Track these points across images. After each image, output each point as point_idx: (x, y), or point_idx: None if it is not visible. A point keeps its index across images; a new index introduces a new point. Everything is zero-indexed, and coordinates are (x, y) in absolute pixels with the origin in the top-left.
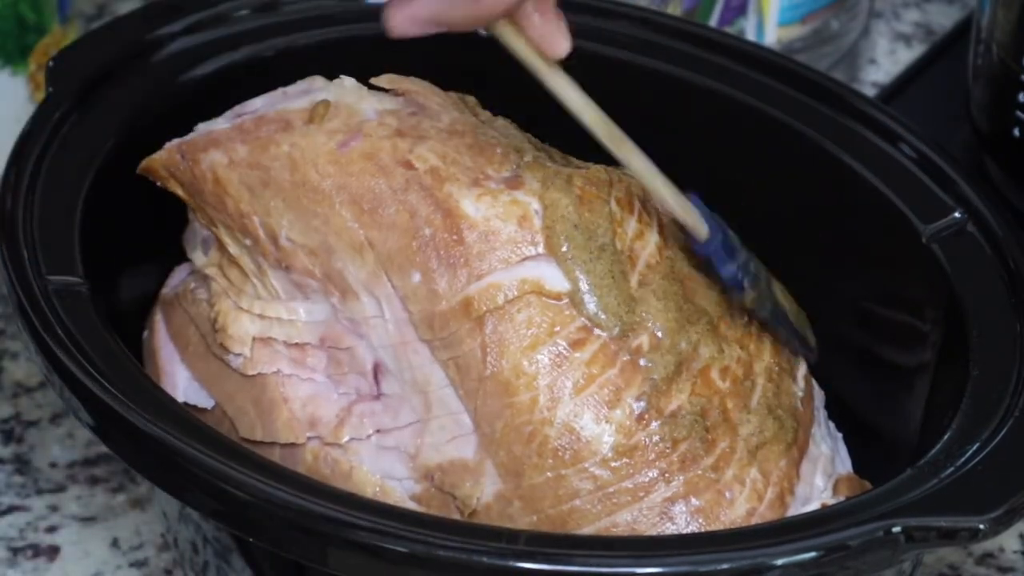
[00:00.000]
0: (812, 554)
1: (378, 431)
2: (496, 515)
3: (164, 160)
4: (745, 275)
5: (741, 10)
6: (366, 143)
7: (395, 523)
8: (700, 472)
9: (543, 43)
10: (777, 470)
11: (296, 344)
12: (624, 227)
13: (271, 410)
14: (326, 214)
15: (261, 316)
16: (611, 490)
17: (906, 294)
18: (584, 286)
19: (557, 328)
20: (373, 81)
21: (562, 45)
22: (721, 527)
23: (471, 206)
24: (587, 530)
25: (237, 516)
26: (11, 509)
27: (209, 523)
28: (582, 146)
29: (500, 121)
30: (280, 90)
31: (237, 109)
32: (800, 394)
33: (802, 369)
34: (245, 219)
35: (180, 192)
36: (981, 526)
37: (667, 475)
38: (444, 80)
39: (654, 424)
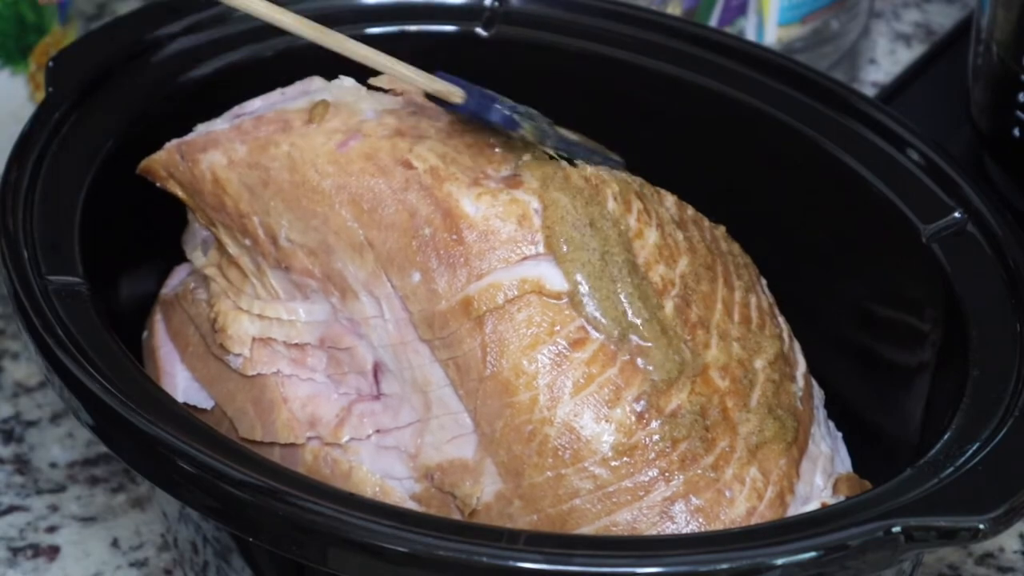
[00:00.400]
0: (812, 554)
1: (378, 431)
2: (496, 515)
3: (163, 160)
4: (516, 113)
5: (741, 10)
6: (365, 143)
7: (395, 523)
8: (700, 471)
9: None
10: (777, 469)
11: (296, 344)
12: (623, 225)
13: (271, 410)
14: (325, 214)
15: (261, 316)
16: (611, 489)
17: (906, 294)
18: (584, 288)
19: (557, 328)
20: (372, 81)
21: None
22: (721, 526)
23: (471, 205)
24: (587, 529)
25: (237, 516)
26: (11, 509)
27: (209, 523)
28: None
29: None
30: (279, 90)
31: (236, 109)
32: (799, 393)
33: (802, 368)
34: (244, 219)
35: (179, 192)
36: (981, 526)
37: (667, 474)
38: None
39: (654, 423)
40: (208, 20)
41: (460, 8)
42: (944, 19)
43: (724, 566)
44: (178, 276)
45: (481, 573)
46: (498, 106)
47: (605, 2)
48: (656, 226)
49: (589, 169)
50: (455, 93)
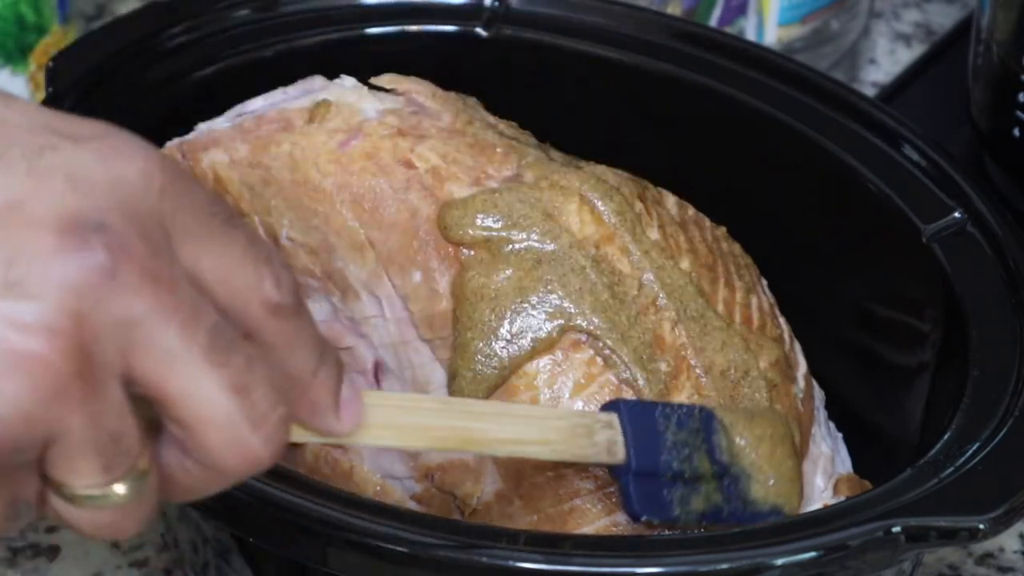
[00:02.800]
0: (812, 554)
1: None
2: (496, 514)
3: None
4: (660, 507)
5: (741, 10)
6: (367, 142)
7: (395, 523)
8: None
9: (325, 433)
10: None
11: None
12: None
13: None
14: (327, 213)
15: None
16: (612, 489)
17: (906, 294)
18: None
19: None
20: (373, 81)
21: (345, 426)
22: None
23: None
24: (587, 529)
25: (237, 516)
26: None
27: (209, 523)
28: (582, 146)
29: (503, 124)
30: (280, 90)
31: (238, 108)
32: (800, 394)
33: (802, 369)
34: (245, 218)
35: None
36: (981, 526)
37: None
38: (444, 80)
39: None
40: (208, 20)
41: (460, 8)
42: (944, 19)
43: (724, 566)
44: None
45: (481, 573)
46: (632, 502)
47: (605, 2)
48: (657, 227)
49: (589, 169)
50: (610, 463)
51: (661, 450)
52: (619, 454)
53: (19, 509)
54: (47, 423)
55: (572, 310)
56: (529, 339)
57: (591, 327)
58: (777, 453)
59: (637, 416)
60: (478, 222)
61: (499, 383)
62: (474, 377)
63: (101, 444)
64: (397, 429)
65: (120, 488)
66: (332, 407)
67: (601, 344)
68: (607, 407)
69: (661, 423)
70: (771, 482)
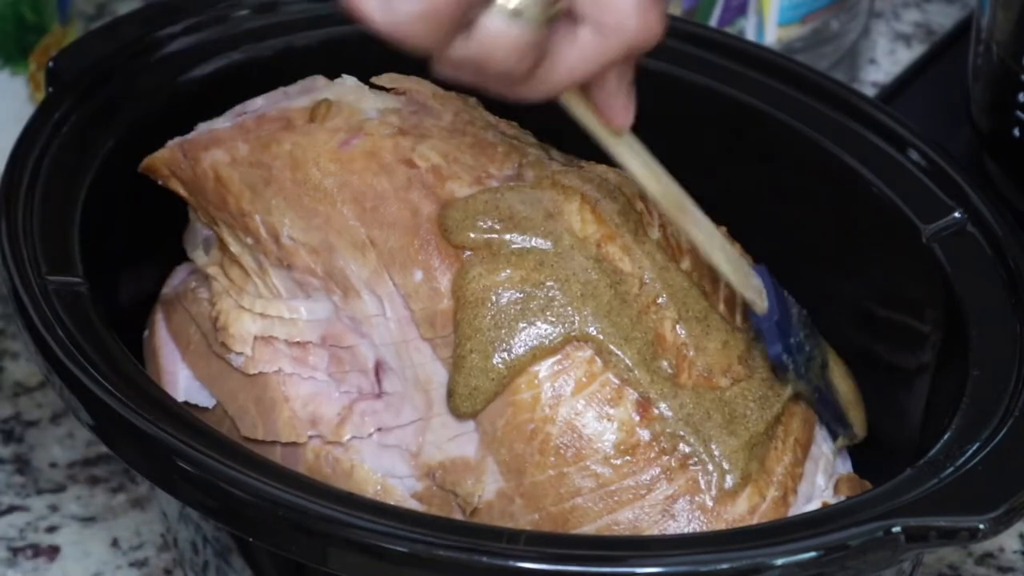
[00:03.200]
0: (812, 554)
1: (379, 429)
2: (497, 513)
3: (166, 158)
4: (793, 357)
5: (741, 10)
6: (368, 141)
7: (395, 523)
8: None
9: (608, 114)
10: (781, 468)
11: (297, 343)
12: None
13: (272, 409)
14: (328, 212)
15: (262, 315)
16: (613, 488)
17: (906, 294)
18: None
19: None
20: (374, 80)
21: (625, 119)
22: (723, 525)
23: None
24: (589, 528)
25: (237, 516)
26: (11, 509)
27: (209, 523)
28: (582, 146)
29: (503, 123)
30: (281, 89)
31: (238, 108)
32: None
33: None
34: (246, 217)
35: (181, 191)
36: (981, 526)
37: (669, 473)
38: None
39: (656, 422)
40: (208, 20)
41: None
42: (944, 19)
43: (724, 566)
44: (179, 275)
45: (481, 573)
46: (778, 345)
47: None
48: (658, 226)
49: (590, 169)
50: (758, 305)
51: (791, 316)
52: (764, 301)
53: (459, 15)
54: None
55: (575, 318)
56: (530, 349)
57: (593, 334)
58: (849, 380)
59: (776, 285)
60: (479, 224)
61: (499, 390)
62: (471, 393)
63: None
64: (646, 163)
65: (537, 11)
66: (627, 92)
67: (603, 349)
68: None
69: (789, 298)
70: (848, 396)
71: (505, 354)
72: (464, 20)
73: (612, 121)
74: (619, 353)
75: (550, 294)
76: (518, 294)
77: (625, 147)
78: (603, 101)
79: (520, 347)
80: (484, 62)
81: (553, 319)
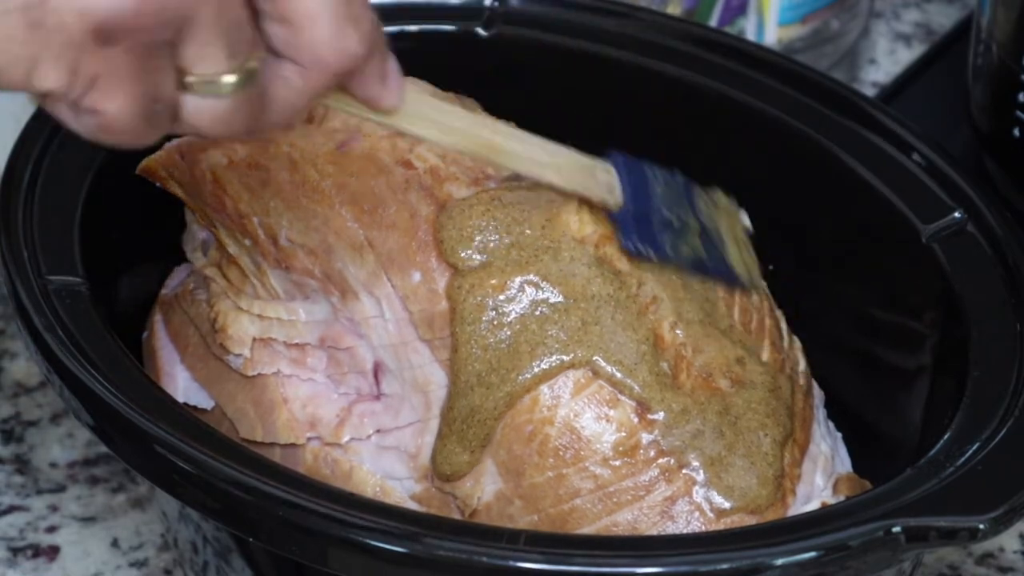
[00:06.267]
0: (812, 554)
1: (378, 431)
2: (496, 514)
3: (163, 160)
4: (652, 243)
5: (741, 10)
6: (365, 143)
7: (395, 523)
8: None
9: (374, 103)
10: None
11: (296, 344)
12: None
13: (271, 410)
14: (326, 214)
15: (261, 316)
16: (612, 489)
17: (906, 294)
18: None
19: None
20: None
21: (392, 100)
22: (723, 526)
23: None
24: (588, 529)
25: (237, 516)
26: (11, 509)
27: (209, 523)
28: (582, 146)
29: (501, 124)
30: None
31: None
32: (800, 393)
33: (801, 367)
34: (244, 219)
35: (179, 192)
36: (981, 526)
37: (668, 474)
38: (444, 80)
39: (655, 423)
40: None
41: (460, 8)
42: (944, 19)
43: (724, 566)
44: (178, 276)
45: (481, 573)
46: (631, 234)
47: (605, 2)
48: None
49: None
50: (609, 203)
51: (652, 197)
52: (616, 197)
53: (156, 109)
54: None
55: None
56: (529, 376)
57: (595, 362)
58: (737, 230)
59: (631, 167)
60: (475, 243)
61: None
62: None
63: (225, 29)
64: (432, 122)
65: (233, 79)
66: (381, 75)
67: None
68: (605, 158)
69: (650, 175)
70: (740, 253)
71: (503, 381)
72: (163, 110)
73: (379, 106)
74: (620, 375)
75: (550, 310)
76: (518, 313)
77: (407, 120)
78: (364, 93)
79: (522, 375)
80: (204, 134)
81: (551, 345)
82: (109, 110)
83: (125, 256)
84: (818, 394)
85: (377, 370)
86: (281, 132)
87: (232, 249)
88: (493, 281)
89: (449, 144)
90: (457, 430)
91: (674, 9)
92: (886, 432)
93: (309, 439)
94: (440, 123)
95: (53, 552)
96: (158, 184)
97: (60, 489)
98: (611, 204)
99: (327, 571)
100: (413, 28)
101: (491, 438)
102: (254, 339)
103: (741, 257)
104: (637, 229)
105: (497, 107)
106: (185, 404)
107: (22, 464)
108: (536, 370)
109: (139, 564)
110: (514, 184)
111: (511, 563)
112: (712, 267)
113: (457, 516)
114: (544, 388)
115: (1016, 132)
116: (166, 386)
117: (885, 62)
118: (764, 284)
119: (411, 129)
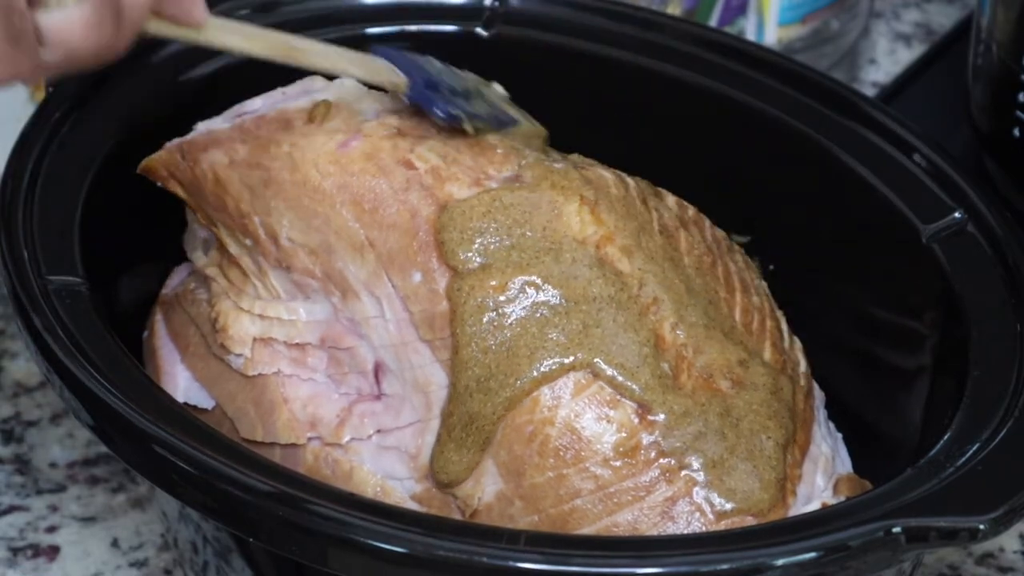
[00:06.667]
0: (812, 554)
1: (379, 431)
2: (497, 515)
3: (164, 160)
4: (456, 105)
5: (741, 10)
6: (366, 143)
7: (395, 523)
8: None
9: (185, 19)
10: (780, 469)
11: (296, 344)
12: None
13: (271, 410)
14: (327, 214)
15: (261, 316)
16: (612, 490)
17: (906, 294)
18: None
19: None
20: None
21: (200, 14)
22: (723, 527)
23: None
24: (588, 530)
25: (237, 515)
26: (11, 509)
27: (209, 523)
28: (582, 146)
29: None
30: (279, 90)
31: (237, 109)
32: (800, 393)
33: (802, 367)
34: (245, 219)
35: (180, 192)
36: (981, 526)
37: (668, 474)
38: None
39: (655, 424)
40: None
41: (460, 8)
42: (944, 19)
43: (724, 566)
44: (178, 276)
45: (481, 573)
46: (441, 104)
47: (605, 2)
48: (658, 227)
49: (590, 170)
50: (399, 84)
51: (430, 73)
52: (401, 77)
53: (16, 29)
54: None
55: (576, 352)
56: (528, 380)
57: (596, 363)
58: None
59: (394, 55)
60: (475, 245)
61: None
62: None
63: None
64: (242, 34)
65: None
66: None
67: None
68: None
69: (413, 58)
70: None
71: (502, 385)
72: (22, 28)
73: (190, 21)
74: (621, 378)
75: (549, 320)
76: (518, 314)
77: (215, 32)
78: (173, 12)
79: (521, 380)
80: (73, 51)
81: (552, 349)
82: None
83: (125, 256)
84: (819, 395)
85: (378, 370)
86: (128, 41)
87: (233, 249)
88: (493, 283)
89: (255, 50)
90: (456, 437)
91: (674, 9)
92: (886, 432)
93: (309, 439)
94: (244, 33)
95: (53, 552)
96: (159, 183)
97: (60, 489)
98: (400, 85)
99: (327, 571)
100: (413, 28)
101: (490, 441)
102: (255, 339)
103: (515, 108)
104: (435, 99)
105: None
106: (185, 404)
107: (22, 464)
108: (535, 374)
109: (139, 564)
110: (515, 185)
111: (511, 563)
112: (503, 117)
113: (457, 516)
114: (545, 389)
115: (1016, 132)
116: (166, 386)
117: (885, 62)
118: (764, 284)
119: (219, 39)
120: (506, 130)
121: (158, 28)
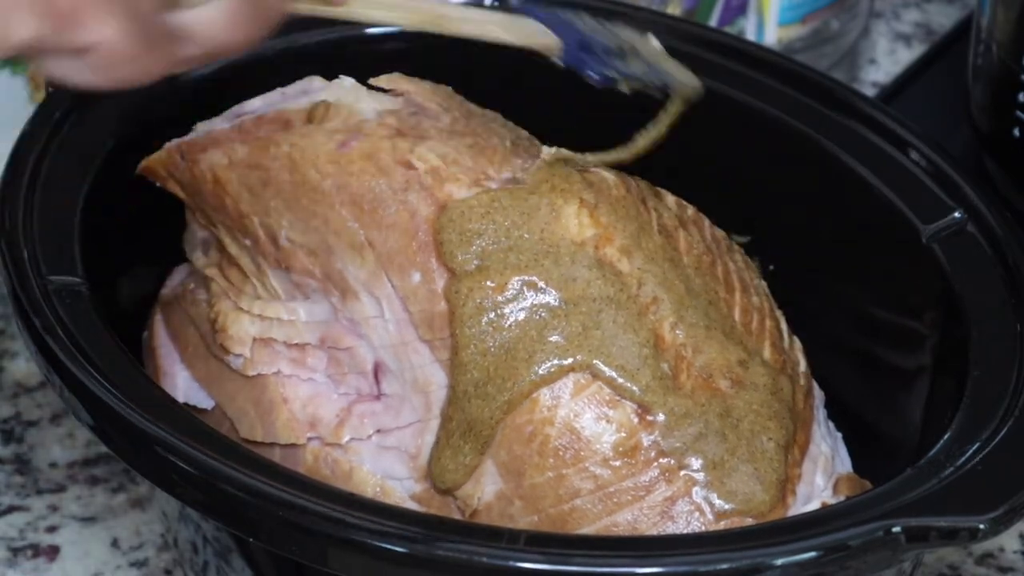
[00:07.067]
0: (812, 554)
1: (379, 431)
2: (497, 515)
3: (163, 160)
4: (613, 67)
5: (741, 10)
6: (366, 143)
7: (395, 523)
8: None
9: None
10: (779, 469)
11: (296, 344)
12: None
13: (271, 411)
14: (326, 214)
15: (261, 316)
16: (612, 489)
17: (906, 294)
18: None
19: None
20: (372, 81)
21: None
22: (723, 526)
23: None
24: (588, 530)
25: (237, 515)
26: (11, 509)
27: (209, 523)
28: (582, 147)
29: (490, 113)
30: (279, 90)
31: (236, 109)
32: (800, 393)
33: (802, 367)
34: (245, 219)
35: (179, 192)
36: (981, 526)
37: (668, 474)
38: (443, 81)
39: (655, 424)
40: None
41: None
42: (944, 19)
43: (724, 566)
44: (178, 276)
45: (481, 573)
46: (596, 67)
47: (605, 2)
48: (657, 227)
49: (591, 170)
50: (551, 47)
51: (582, 32)
52: (554, 38)
53: (153, 27)
54: None
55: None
56: (526, 384)
57: (595, 365)
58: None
59: (548, 16)
60: (474, 247)
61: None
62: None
63: None
64: (386, 7)
65: None
66: None
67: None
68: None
69: (566, 15)
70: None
71: (501, 388)
72: (159, 27)
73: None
74: (621, 380)
75: (548, 322)
76: (516, 319)
77: (360, 7)
78: None
79: (520, 382)
80: (213, 46)
81: (551, 351)
82: (104, 38)
83: (125, 256)
84: (818, 394)
85: (377, 370)
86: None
87: (232, 249)
88: (491, 284)
89: (400, 21)
90: (454, 444)
91: (674, 9)
92: (886, 432)
93: (309, 439)
94: (388, 5)
95: (53, 552)
96: (158, 184)
97: (60, 489)
98: (553, 47)
99: (327, 571)
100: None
101: (489, 444)
102: (254, 339)
103: (674, 65)
104: (590, 61)
105: (497, 107)
106: (185, 404)
107: (22, 464)
108: (534, 376)
109: (139, 564)
110: (515, 186)
111: (511, 563)
112: (664, 73)
113: (457, 516)
114: (544, 389)
115: (1016, 132)
116: (166, 386)
117: (885, 62)
118: (764, 284)
119: (364, 14)
120: (664, 87)
121: (304, 7)
